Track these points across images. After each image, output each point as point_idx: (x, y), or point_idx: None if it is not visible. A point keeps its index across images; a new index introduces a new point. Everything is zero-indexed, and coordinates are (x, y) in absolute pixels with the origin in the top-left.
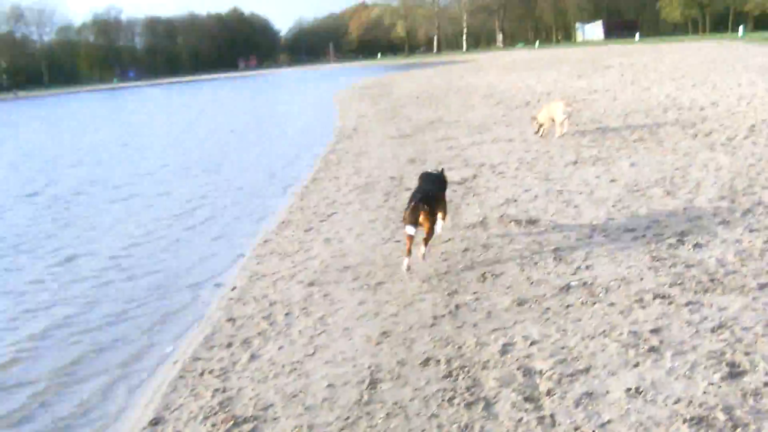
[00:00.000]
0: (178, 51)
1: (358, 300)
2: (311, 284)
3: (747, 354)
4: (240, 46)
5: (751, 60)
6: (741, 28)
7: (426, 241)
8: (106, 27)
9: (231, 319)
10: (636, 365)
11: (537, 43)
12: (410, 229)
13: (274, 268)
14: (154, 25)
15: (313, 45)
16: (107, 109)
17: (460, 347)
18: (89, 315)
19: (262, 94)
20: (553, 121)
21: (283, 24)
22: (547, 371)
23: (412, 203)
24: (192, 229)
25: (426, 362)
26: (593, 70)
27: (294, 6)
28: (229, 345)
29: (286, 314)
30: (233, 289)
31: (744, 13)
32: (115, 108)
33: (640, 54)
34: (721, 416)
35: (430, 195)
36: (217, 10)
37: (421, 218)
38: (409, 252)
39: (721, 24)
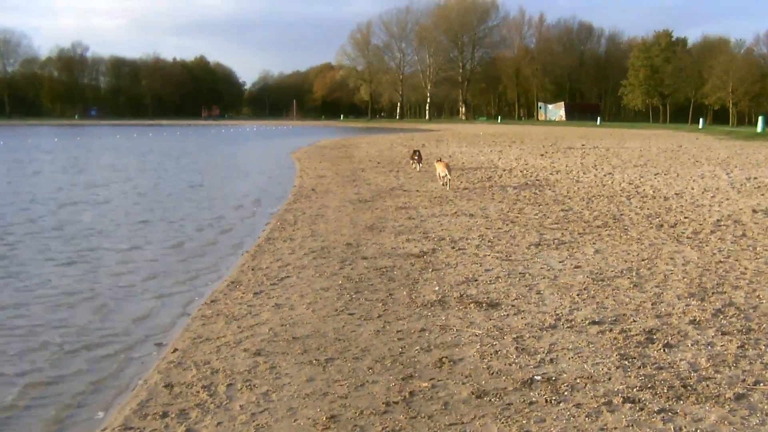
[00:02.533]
0: (141, 94)
1: (307, 376)
2: (257, 353)
3: None
4: (204, 94)
5: (712, 153)
6: (701, 120)
7: None
8: (70, 63)
9: (169, 386)
10: None
11: (499, 118)
12: None
13: (220, 332)
14: (119, 65)
15: (277, 101)
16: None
17: None
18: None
19: (223, 145)
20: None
21: (248, 77)
22: None
23: None
24: (135, 285)
25: None
26: (555, 150)
27: (260, 60)
28: (164, 415)
29: (228, 385)
30: (174, 351)
31: (703, 106)
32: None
33: (602, 138)
34: None
35: None
36: (183, 56)
37: None
38: None
39: (680, 114)
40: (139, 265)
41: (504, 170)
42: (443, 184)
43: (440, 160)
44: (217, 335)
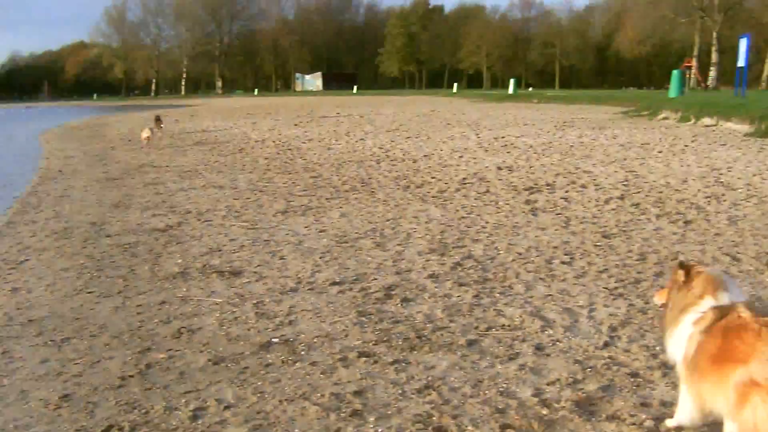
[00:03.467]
0: None
1: (40, 358)
2: None
3: (454, 417)
4: None
5: (464, 115)
6: (455, 84)
7: None
8: None
9: None
10: (337, 431)
11: (256, 91)
12: None
13: None
14: None
15: (29, 82)
16: None
17: (147, 412)
18: None
19: None
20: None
21: None
22: None
23: None
24: None
25: (107, 430)
26: (310, 119)
27: (8, 41)
28: None
29: None
30: None
31: (459, 71)
32: None
33: (358, 105)
34: None
35: None
36: None
37: None
38: None
39: (436, 79)
40: None
41: (257, 141)
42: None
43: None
44: None
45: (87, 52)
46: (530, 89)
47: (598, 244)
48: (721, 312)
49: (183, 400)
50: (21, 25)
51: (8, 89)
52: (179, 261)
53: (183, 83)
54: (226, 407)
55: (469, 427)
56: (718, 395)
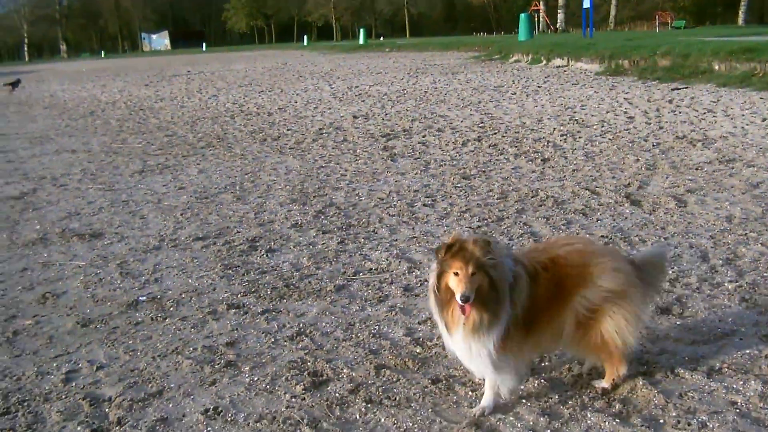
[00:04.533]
0: None
1: None
2: None
3: (329, 361)
4: None
5: (316, 67)
6: (305, 37)
7: None
8: None
9: None
10: (213, 383)
11: (103, 53)
12: None
13: None
14: None
15: None
16: None
17: (18, 379)
18: None
19: None
20: None
21: None
22: (116, 398)
23: None
24: None
25: None
26: (160, 79)
27: None
28: None
29: None
30: None
31: (308, 23)
32: None
33: (208, 63)
34: (308, 431)
35: None
36: None
37: None
38: None
39: (285, 33)
40: None
41: (107, 103)
42: None
43: None
44: None
45: None
46: (381, 39)
47: (458, 185)
48: None
49: (54, 364)
50: None
51: None
52: (37, 227)
53: (26, 49)
54: (99, 368)
55: (345, 370)
56: None
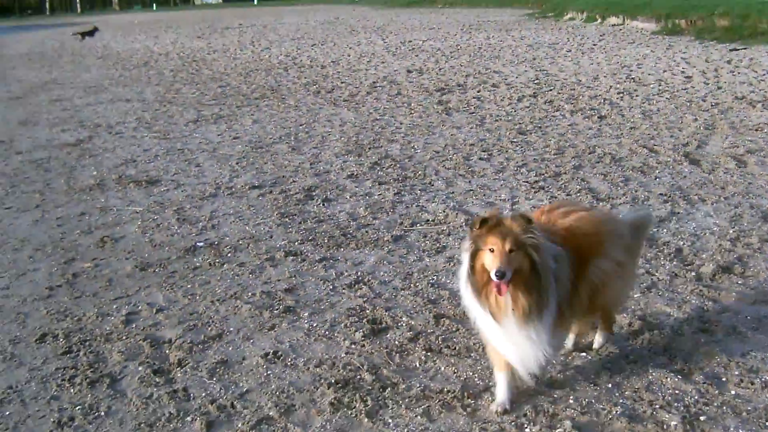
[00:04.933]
0: None
1: None
2: None
3: (388, 309)
4: None
5: (369, 21)
6: None
7: None
8: None
9: None
10: (272, 328)
11: (154, 5)
12: None
13: None
14: None
15: None
16: None
17: (79, 319)
18: None
19: None
20: None
21: None
22: (176, 340)
23: None
24: None
25: (42, 338)
26: (212, 32)
27: None
28: None
29: None
30: None
31: None
32: None
33: (260, 16)
34: (368, 377)
35: None
36: None
37: None
38: None
39: None
40: None
41: (160, 54)
42: None
43: None
44: None
45: None
46: None
47: (514, 140)
48: None
49: (114, 306)
50: None
51: None
52: (94, 173)
53: (77, 0)
54: (158, 310)
55: (404, 318)
56: None
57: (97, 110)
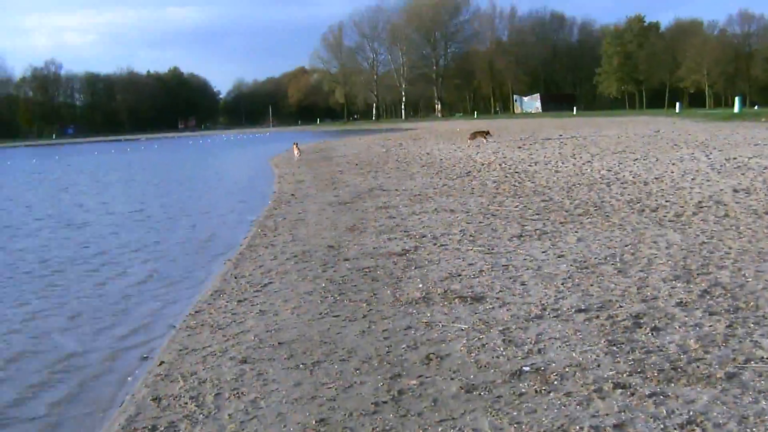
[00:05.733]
0: (117, 109)
1: (294, 381)
2: (243, 361)
3: None
4: (180, 106)
5: (690, 135)
6: (678, 104)
7: None
8: (45, 82)
9: (156, 399)
10: None
11: (475, 113)
12: None
13: (205, 341)
14: (93, 81)
15: (253, 108)
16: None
17: None
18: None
19: (202, 155)
20: None
21: (222, 86)
22: None
23: None
24: (121, 293)
25: None
26: (533, 142)
27: (234, 68)
28: (153, 429)
29: (216, 395)
30: (160, 364)
31: (679, 90)
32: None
33: (579, 127)
34: None
35: None
36: (157, 69)
37: None
38: None
39: (656, 99)
40: (121, 279)
41: (483, 164)
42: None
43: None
44: (203, 345)
45: (307, 78)
46: (756, 107)
47: None
48: None
49: (439, 429)
50: (242, 53)
51: (235, 115)
52: (420, 285)
53: (402, 106)
54: None
55: None
56: None
57: (422, 219)
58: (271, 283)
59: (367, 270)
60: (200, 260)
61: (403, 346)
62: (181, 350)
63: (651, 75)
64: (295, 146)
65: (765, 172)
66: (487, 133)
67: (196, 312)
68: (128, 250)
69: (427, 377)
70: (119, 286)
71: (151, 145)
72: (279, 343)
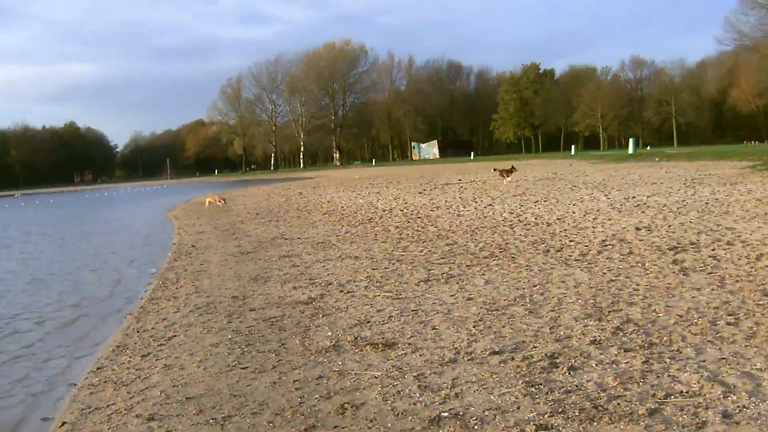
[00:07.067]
0: (10, 164)
1: None
2: (150, 418)
3: None
4: (76, 160)
5: (588, 177)
6: (573, 147)
7: None
8: None
9: None
10: None
11: (374, 161)
12: None
13: (109, 399)
14: None
15: (150, 161)
16: None
17: None
18: None
19: (97, 209)
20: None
21: (120, 139)
22: None
23: None
24: (15, 358)
25: None
26: (432, 187)
27: (132, 121)
28: None
29: None
30: (62, 425)
31: (574, 133)
32: None
33: (477, 171)
34: None
35: None
36: (53, 123)
37: None
38: None
39: (552, 142)
40: (15, 338)
41: (384, 210)
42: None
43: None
44: (107, 403)
45: (206, 129)
46: (648, 148)
47: (760, 303)
48: None
49: None
50: (140, 106)
51: (132, 168)
52: (329, 334)
53: (301, 156)
54: None
55: None
56: None
57: (327, 267)
58: (175, 336)
59: (273, 320)
60: (99, 316)
61: (316, 396)
62: (83, 409)
63: (547, 120)
64: (217, 197)
65: (664, 209)
66: (513, 169)
67: (98, 369)
68: (21, 311)
69: (343, 427)
70: (11, 347)
71: (45, 199)
72: (187, 398)
